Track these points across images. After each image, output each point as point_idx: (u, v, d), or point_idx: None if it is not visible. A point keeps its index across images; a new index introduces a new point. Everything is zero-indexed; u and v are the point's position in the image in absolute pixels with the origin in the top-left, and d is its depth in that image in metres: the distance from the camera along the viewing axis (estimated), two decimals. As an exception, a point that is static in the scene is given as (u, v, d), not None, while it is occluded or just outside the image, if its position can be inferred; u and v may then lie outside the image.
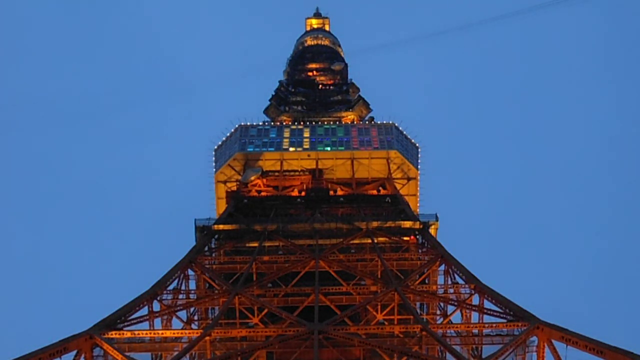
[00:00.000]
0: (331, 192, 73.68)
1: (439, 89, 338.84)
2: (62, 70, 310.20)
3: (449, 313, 53.23)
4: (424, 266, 56.41)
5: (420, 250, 60.90)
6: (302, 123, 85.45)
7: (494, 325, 46.42)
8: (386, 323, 50.96)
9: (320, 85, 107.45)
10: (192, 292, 55.29)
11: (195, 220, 62.94)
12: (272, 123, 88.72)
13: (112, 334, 43.32)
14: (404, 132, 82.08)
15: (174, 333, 48.17)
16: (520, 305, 45.39)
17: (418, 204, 79.51)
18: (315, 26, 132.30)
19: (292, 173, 76.18)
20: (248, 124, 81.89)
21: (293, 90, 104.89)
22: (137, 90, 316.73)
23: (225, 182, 77.58)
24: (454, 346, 44.77)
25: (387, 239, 61.27)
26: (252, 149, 77.56)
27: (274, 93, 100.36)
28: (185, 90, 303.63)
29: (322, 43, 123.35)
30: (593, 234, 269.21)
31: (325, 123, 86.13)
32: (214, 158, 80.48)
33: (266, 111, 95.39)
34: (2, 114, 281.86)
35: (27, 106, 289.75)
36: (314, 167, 77.20)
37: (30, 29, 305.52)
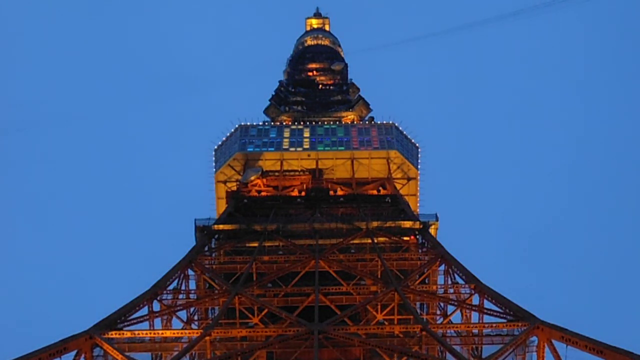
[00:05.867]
0: (331, 192, 73.62)
1: (439, 89, 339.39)
2: (61, 70, 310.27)
3: (449, 313, 53.19)
4: (424, 266, 56.35)
5: (420, 250, 60.84)
6: (302, 123, 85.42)
7: (494, 325, 46.35)
8: (386, 323, 50.90)
9: (320, 85, 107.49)
10: (192, 292, 55.26)
11: (195, 220, 62.88)
12: (272, 123, 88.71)
13: (112, 334, 43.26)
14: (404, 132, 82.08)
15: (174, 333, 48.10)
16: (520, 305, 45.35)
17: (418, 204, 79.49)
18: (315, 26, 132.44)
19: (292, 173, 76.13)
20: (248, 124, 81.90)
21: (293, 90, 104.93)
22: (137, 91, 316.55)
23: (225, 182, 77.59)
24: (454, 346, 44.72)
25: (387, 239, 61.23)
26: (252, 149, 77.55)
27: (274, 93, 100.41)
28: (185, 90, 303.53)
29: (322, 43, 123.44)
30: (593, 233, 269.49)
31: (325, 123, 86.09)
32: (214, 158, 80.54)
33: (266, 111, 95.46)
34: (5, 114, 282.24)
35: (28, 107, 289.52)
36: (314, 167, 77.17)
37: (32, 30, 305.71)
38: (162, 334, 47.45)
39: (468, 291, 52.18)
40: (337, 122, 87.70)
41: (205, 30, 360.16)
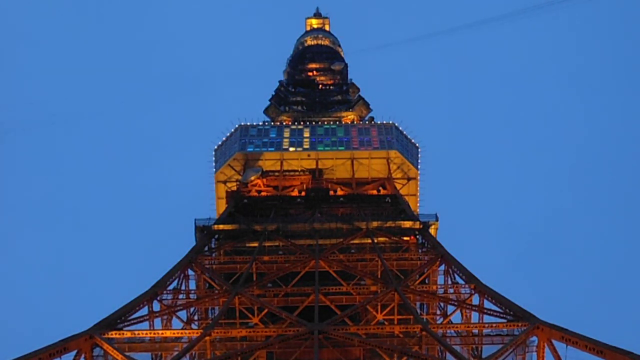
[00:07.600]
0: (331, 192, 73.60)
1: (439, 89, 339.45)
2: (61, 70, 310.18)
3: (449, 313, 53.21)
4: (424, 266, 56.37)
5: (420, 250, 60.85)
6: (302, 123, 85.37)
7: (494, 325, 46.39)
8: (386, 323, 50.91)
9: (320, 85, 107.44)
10: (192, 292, 55.27)
11: (195, 220, 62.94)
12: (272, 123, 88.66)
13: (112, 334, 43.31)
14: (404, 132, 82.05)
15: (174, 333, 48.12)
16: (520, 305, 45.37)
17: (418, 204, 79.48)
18: (315, 26, 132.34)
19: (292, 173, 76.11)
20: (248, 124, 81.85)
21: (293, 90, 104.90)
22: (137, 91, 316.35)
23: (225, 182, 77.58)
24: (454, 346, 44.73)
25: (387, 239, 61.24)
26: (252, 149, 77.53)
27: (274, 93, 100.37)
28: (185, 90, 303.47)
29: (322, 43, 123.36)
30: (593, 233, 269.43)
31: (325, 123, 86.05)
32: (214, 158, 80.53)
33: (266, 111, 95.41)
34: (6, 114, 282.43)
35: (28, 107, 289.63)
36: (314, 167, 77.16)
37: (34, 31, 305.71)
38: (162, 334, 47.48)
39: (468, 291, 52.21)
40: (337, 122, 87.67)
41: (206, 31, 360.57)
